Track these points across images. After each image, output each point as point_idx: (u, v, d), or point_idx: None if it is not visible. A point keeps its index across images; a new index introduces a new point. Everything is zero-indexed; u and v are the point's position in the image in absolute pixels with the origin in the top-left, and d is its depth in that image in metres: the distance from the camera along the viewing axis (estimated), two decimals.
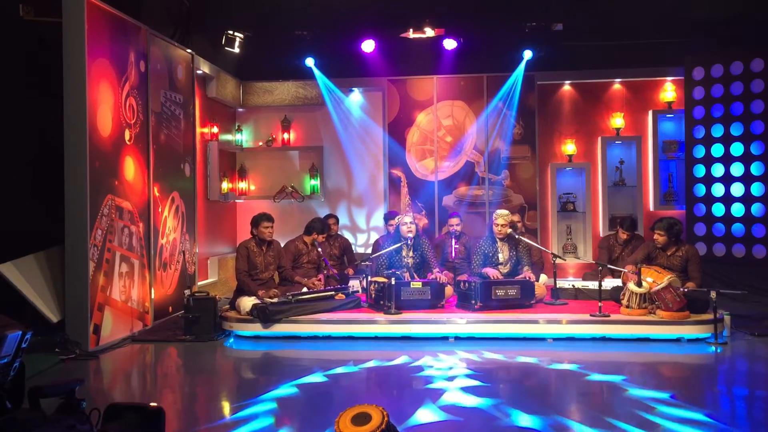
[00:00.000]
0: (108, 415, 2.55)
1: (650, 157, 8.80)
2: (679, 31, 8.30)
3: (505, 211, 6.67)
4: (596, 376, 4.62)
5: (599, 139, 8.87)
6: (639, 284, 5.78)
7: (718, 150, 8.12)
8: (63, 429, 2.30)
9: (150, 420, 2.52)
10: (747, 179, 7.89)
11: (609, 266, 6.33)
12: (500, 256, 6.63)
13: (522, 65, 8.56)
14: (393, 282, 5.97)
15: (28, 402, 2.47)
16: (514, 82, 8.71)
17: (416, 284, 6.21)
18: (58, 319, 5.44)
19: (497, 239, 6.61)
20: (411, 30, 8.06)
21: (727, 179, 8.03)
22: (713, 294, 5.47)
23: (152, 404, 2.59)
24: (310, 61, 8.69)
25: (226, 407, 4.08)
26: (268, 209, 7.68)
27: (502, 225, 6.55)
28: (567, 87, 9.03)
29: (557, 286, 6.56)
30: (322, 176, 9.14)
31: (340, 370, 4.88)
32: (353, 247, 8.36)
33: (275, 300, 5.99)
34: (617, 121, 8.79)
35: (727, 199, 8.03)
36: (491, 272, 6.47)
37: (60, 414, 2.42)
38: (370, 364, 5.02)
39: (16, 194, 5.72)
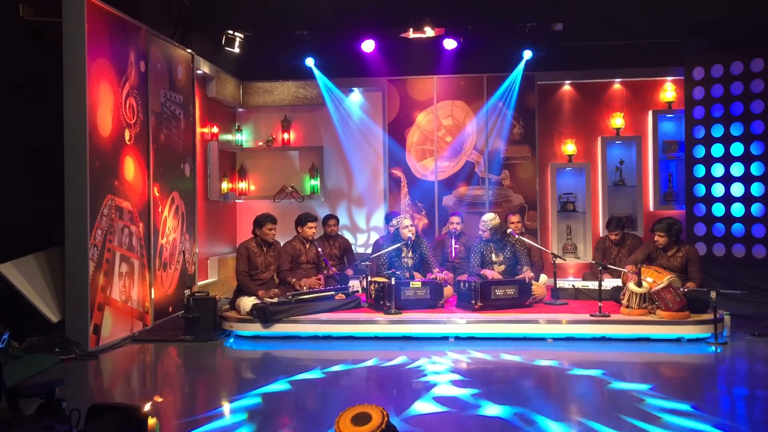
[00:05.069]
0: (90, 415, 2.55)
1: (650, 157, 8.80)
2: (679, 31, 8.30)
3: (489, 216, 6.76)
4: (577, 370, 4.62)
5: (599, 139, 8.87)
6: (639, 284, 5.78)
7: (718, 150, 8.12)
8: (41, 429, 2.30)
9: (131, 421, 2.51)
10: (747, 179, 7.89)
11: (609, 266, 6.33)
12: (493, 256, 6.68)
13: (521, 65, 8.56)
14: (393, 282, 5.97)
15: (7, 402, 2.46)
16: (513, 82, 8.71)
17: (416, 284, 6.21)
18: (58, 319, 5.45)
19: (492, 240, 6.67)
20: (411, 30, 8.06)
21: (727, 179, 8.03)
22: (713, 294, 5.47)
23: (134, 405, 2.59)
24: (310, 61, 8.69)
25: (225, 407, 4.08)
26: (268, 209, 7.69)
27: (481, 231, 6.74)
28: (567, 87, 9.03)
29: (557, 286, 6.56)
30: (322, 176, 9.14)
31: (339, 369, 4.88)
32: (353, 247, 8.36)
33: (275, 300, 5.99)
34: (617, 121, 8.79)
35: (727, 199, 8.03)
36: (489, 273, 6.50)
37: (39, 414, 2.42)
38: (370, 363, 5.02)
39: (16, 194, 5.71)
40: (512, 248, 6.73)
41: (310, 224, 6.91)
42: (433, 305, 6.20)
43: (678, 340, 5.59)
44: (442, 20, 8.12)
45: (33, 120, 5.77)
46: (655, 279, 5.78)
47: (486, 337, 5.70)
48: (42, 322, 5.37)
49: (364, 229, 9.22)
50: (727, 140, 8.05)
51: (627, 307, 5.83)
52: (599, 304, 5.82)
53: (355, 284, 6.83)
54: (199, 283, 7.67)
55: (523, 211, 8.71)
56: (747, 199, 7.88)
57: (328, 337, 5.85)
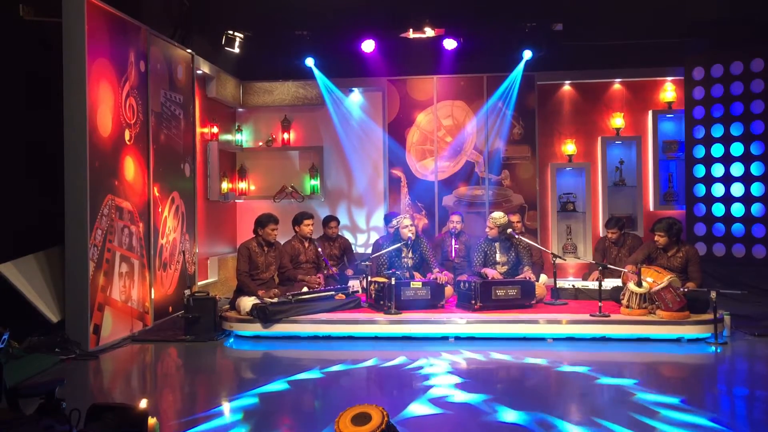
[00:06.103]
0: (90, 415, 2.55)
1: (650, 157, 8.81)
2: (679, 31, 8.30)
3: (499, 214, 6.71)
4: (602, 378, 4.62)
5: (599, 139, 8.87)
6: (639, 284, 5.78)
7: (718, 150, 8.12)
8: (41, 429, 2.30)
9: (131, 421, 2.51)
10: (747, 179, 7.89)
11: (609, 266, 6.32)
12: (497, 256, 6.67)
13: (521, 65, 8.56)
14: (393, 282, 5.97)
15: (7, 402, 2.46)
16: (512, 82, 8.71)
17: (416, 284, 6.21)
18: (58, 319, 5.45)
19: (499, 239, 6.67)
20: (411, 30, 8.06)
21: (727, 179, 8.03)
22: (713, 294, 5.47)
23: (134, 405, 2.58)
24: (310, 61, 8.69)
25: (224, 406, 4.08)
26: (268, 209, 7.69)
27: (489, 228, 6.69)
28: (567, 87, 9.03)
29: (557, 286, 6.55)
30: (322, 176, 9.14)
31: (338, 369, 4.88)
32: (353, 247, 8.36)
33: (275, 300, 5.99)
34: (617, 121, 8.79)
35: (727, 199, 8.03)
36: (490, 272, 6.49)
37: (39, 414, 2.42)
38: (370, 363, 5.02)
39: (16, 194, 5.71)
40: (516, 249, 6.72)
41: (306, 221, 6.92)
42: (434, 305, 6.20)
43: (678, 340, 5.59)
44: (442, 20, 8.11)
45: (33, 120, 5.77)
46: (655, 279, 5.78)
47: (486, 337, 5.70)
48: (42, 322, 5.37)
49: (364, 229, 9.22)
50: (727, 140, 8.05)
51: (627, 307, 5.83)
52: (599, 304, 5.82)
53: (355, 284, 6.83)
54: (199, 283, 7.67)
55: (523, 211, 8.71)
56: (747, 199, 7.88)
57: (328, 337, 5.85)
